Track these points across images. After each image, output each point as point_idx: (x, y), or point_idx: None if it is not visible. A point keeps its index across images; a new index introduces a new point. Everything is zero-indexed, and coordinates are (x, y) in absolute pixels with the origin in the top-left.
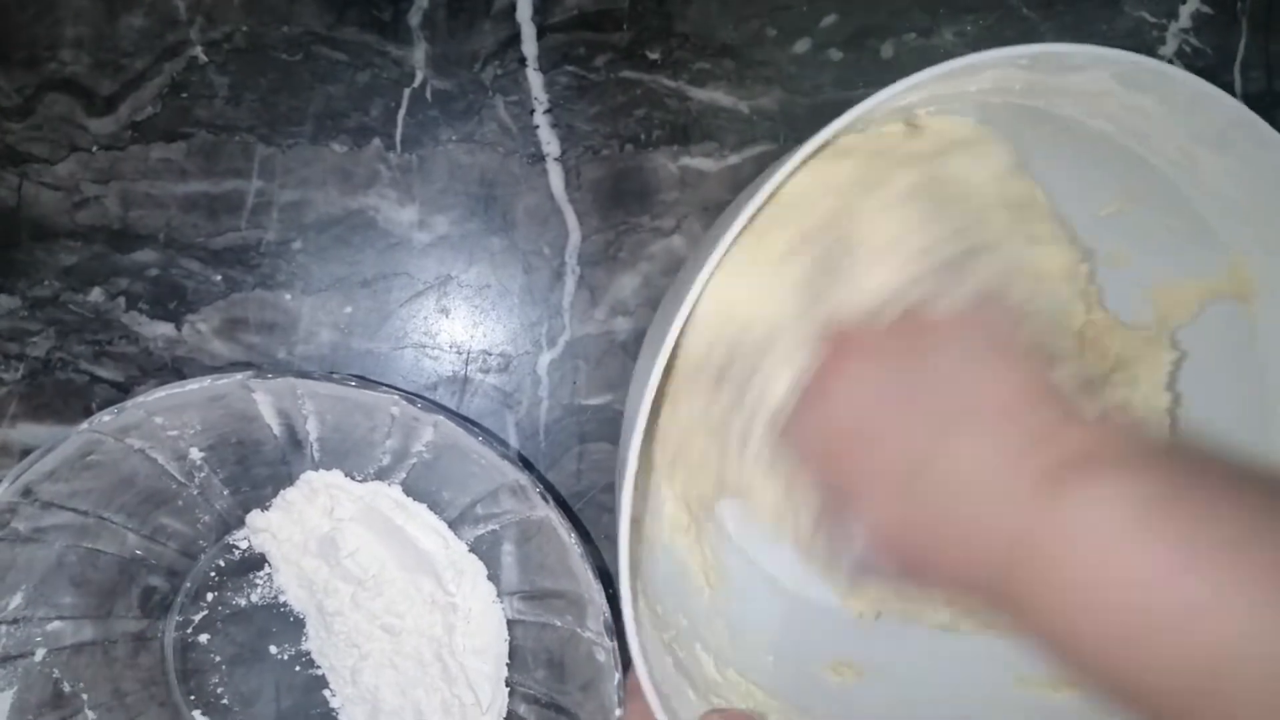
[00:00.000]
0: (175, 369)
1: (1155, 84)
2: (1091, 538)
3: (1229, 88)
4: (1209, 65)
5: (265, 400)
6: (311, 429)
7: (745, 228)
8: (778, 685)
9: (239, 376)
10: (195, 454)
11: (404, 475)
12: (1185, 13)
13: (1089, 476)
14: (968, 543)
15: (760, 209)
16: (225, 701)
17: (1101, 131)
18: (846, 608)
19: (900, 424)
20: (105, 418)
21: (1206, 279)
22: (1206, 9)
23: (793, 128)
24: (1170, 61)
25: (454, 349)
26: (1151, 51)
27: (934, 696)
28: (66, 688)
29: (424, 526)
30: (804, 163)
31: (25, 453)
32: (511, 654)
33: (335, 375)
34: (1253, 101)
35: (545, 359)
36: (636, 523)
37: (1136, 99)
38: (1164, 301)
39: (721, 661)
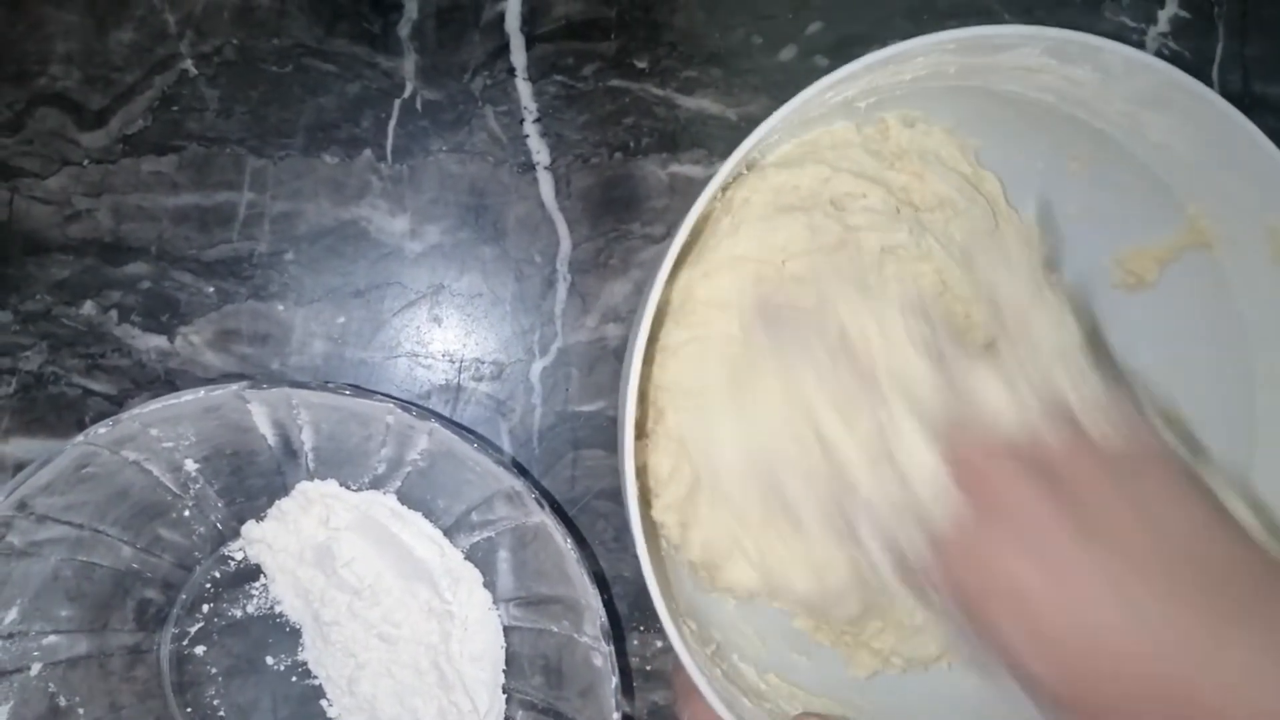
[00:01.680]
0: (168, 381)
1: (1085, 55)
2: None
3: None
4: (1187, 68)
5: (260, 411)
6: (306, 439)
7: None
8: (817, 683)
9: (234, 387)
10: (190, 465)
11: (399, 484)
12: (1164, 17)
13: (1255, 622)
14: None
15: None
16: (222, 713)
17: (1044, 103)
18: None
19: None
20: (100, 430)
21: (1166, 239)
22: (1184, 14)
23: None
24: None
25: (447, 357)
26: None
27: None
28: (62, 702)
29: (419, 535)
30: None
31: (18, 467)
32: (508, 660)
33: (330, 384)
34: (1231, 103)
35: (538, 366)
36: (655, 550)
37: (1072, 70)
38: (1129, 265)
39: (761, 668)
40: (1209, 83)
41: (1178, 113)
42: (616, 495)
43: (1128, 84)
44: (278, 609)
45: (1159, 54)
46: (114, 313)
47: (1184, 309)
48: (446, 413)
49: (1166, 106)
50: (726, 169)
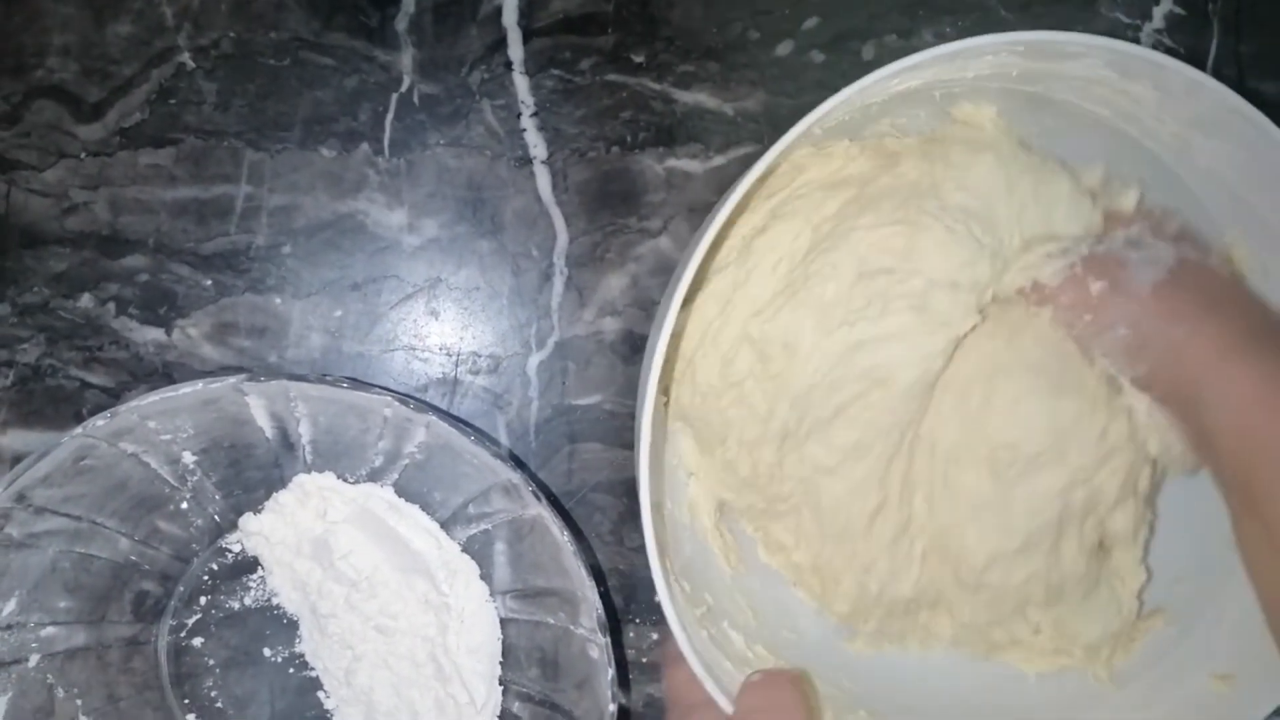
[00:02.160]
0: (166, 374)
1: (1148, 72)
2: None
3: None
4: None
5: (258, 403)
6: (304, 431)
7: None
8: (804, 658)
9: (232, 380)
10: (188, 458)
11: (396, 476)
12: (1159, 13)
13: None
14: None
15: (750, 190)
16: (219, 705)
17: (1096, 115)
18: (848, 647)
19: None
20: (99, 422)
21: None
22: (1179, 10)
23: (776, 129)
24: None
25: (444, 351)
26: None
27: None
28: (60, 693)
29: (417, 527)
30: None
31: (16, 460)
32: (505, 652)
33: (328, 377)
34: None
35: (534, 360)
36: (658, 507)
37: (1130, 85)
38: None
39: (749, 638)
40: None
41: (1229, 138)
42: (613, 488)
43: (1184, 105)
44: (275, 601)
45: (1154, 50)
46: (111, 305)
47: None
48: (444, 406)
49: (1218, 131)
50: (786, 141)
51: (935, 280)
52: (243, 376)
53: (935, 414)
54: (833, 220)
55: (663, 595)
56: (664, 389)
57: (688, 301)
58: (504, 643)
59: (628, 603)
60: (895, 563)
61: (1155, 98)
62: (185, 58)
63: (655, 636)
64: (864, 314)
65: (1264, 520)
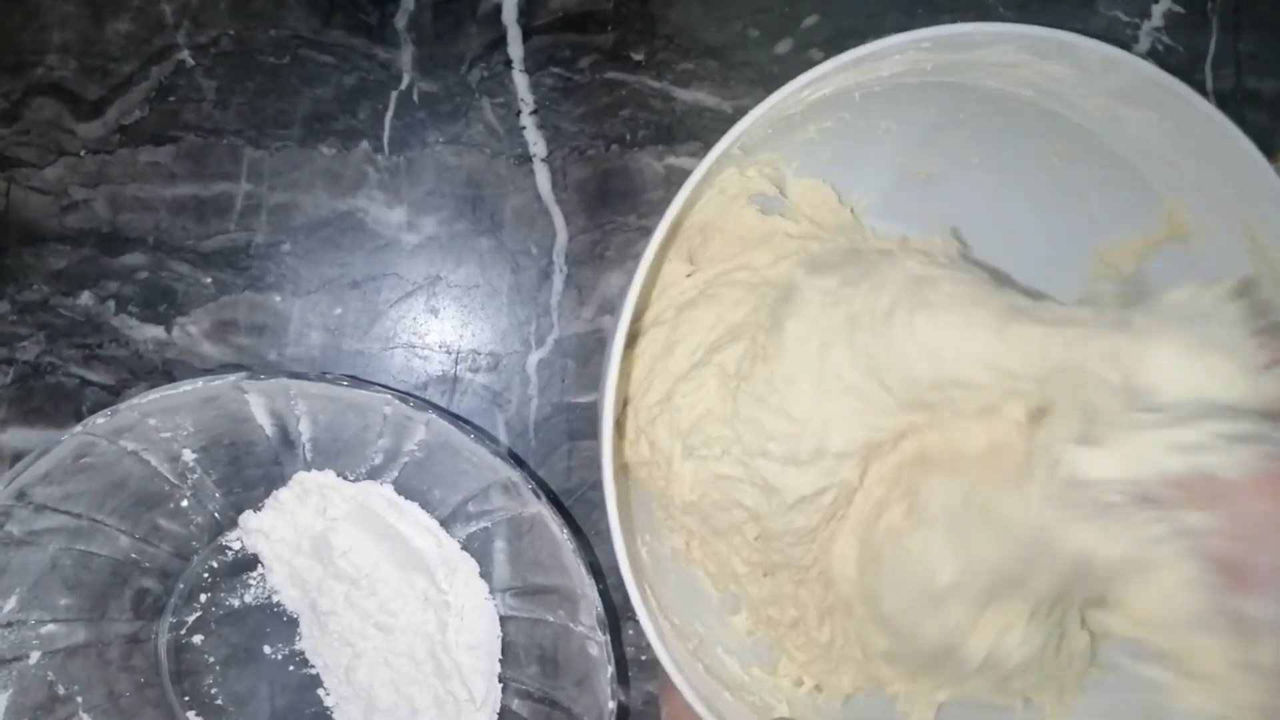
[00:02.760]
0: (166, 372)
1: (1061, 51)
2: None
3: (1200, 85)
4: (1181, 63)
5: (258, 401)
6: (304, 429)
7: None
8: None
9: (232, 378)
10: (188, 455)
11: (396, 474)
12: (1157, 12)
13: None
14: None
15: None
16: (220, 702)
17: (1022, 96)
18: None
19: None
20: (99, 420)
21: (1145, 232)
22: (1178, 8)
23: None
24: (1144, 59)
25: (443, 349)
26: (1126, 49)
27: None
28: (61, 690)
29: (416, 525)
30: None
31: (16, 457)
32: (505, 650)
33: (327, 375)
34: (1223, 98)
35: (534, 358)
36: (635, 557)
37: (1048, 66)
38: (1108, 258)
39: (743, 661)
40: (1202, 78)
41: (1155, 108)
42: None
43: (1105, 80)
44: (275, 598)
45: (1153, 49)
46: (111, 303)
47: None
48: (443, 404)
49: (1144, 102)
50: (701, 170)
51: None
52: (242, 374)
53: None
54: (739, 325)
55: (652, 639)
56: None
57: (630, 345)
58: (503, 640)
59: (626, 600)
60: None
61: (1074, 75)
62: (185, 55)
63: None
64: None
65: None
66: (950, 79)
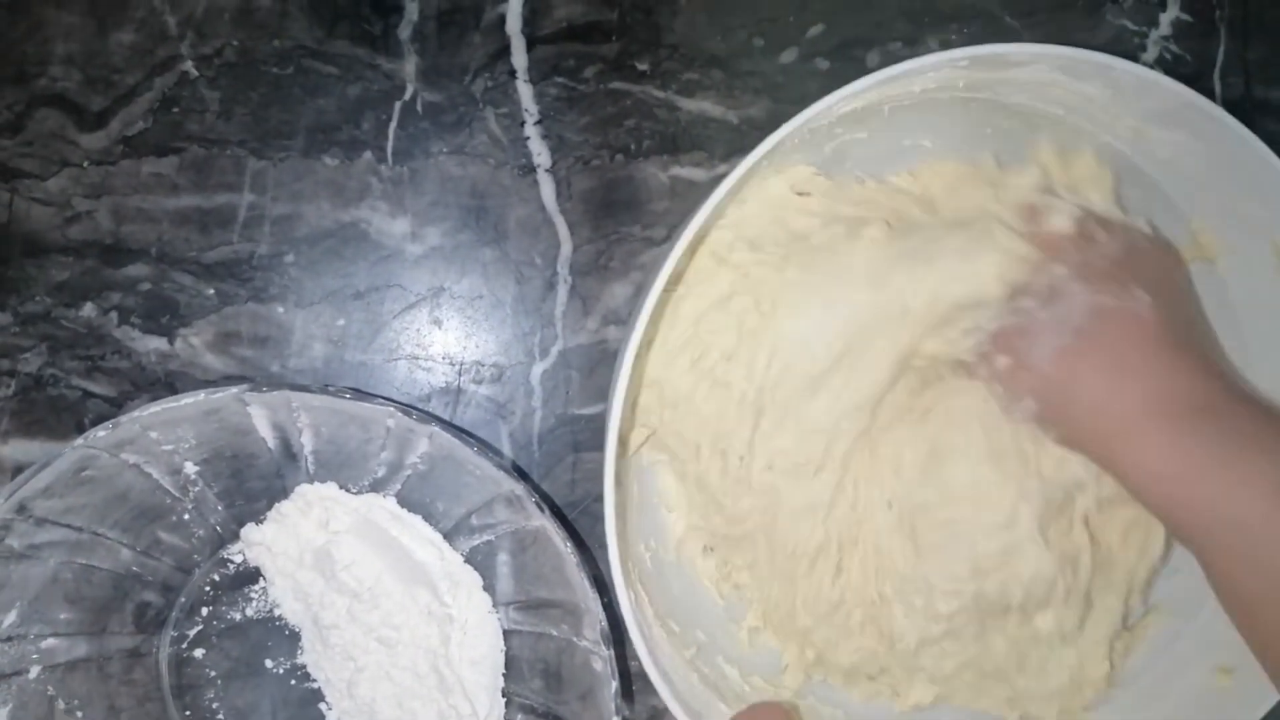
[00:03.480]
0: (168, 384)
1: (1098, 73)
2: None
3: (1209, 94)
4: (1189, 72)
5: (260, 414)
6: (306, 442)
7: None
8: (801, 686)
9: (234, 390)
10: (190, 468)
11: (399, 487)
12: (1165, 20)
13: (1171, 422)
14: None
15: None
16: (221, 716)
17: (1052, 115)
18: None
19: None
20: (100, 433)
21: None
22: (1186, 17)
23: None
24: (1151, 68)
25: (447, 360)
26: (1133, 59)
27: None
28: (61, 705)
29: (419, 538)
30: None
31: (18, 470)
32: (508, 664)
33: (330, 388)
34: (1231, 107)
35: (538, 369)
36: (630, 589)
37: (1082, 86)
38: None
39: (744, 670)
40: (1210, 86)
41: (1187, 130)
42: None
43: (1138, 102)
44: (277, 612)
45: (1160, 57)
46: (114, 315)
47: None
48: (447, 416)
49: (1176, 124)
50: (732, 179)
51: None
52: (245, 386)
53: (872, 472)
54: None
55: (640, 650)
56: (640, 424)
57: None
58: (507, 654)
59: None
60: (833, 631)
61: (1108, 96)
62: (188, 66)
63: None
64: None
65: (1210, 573)
66: (980, 95)
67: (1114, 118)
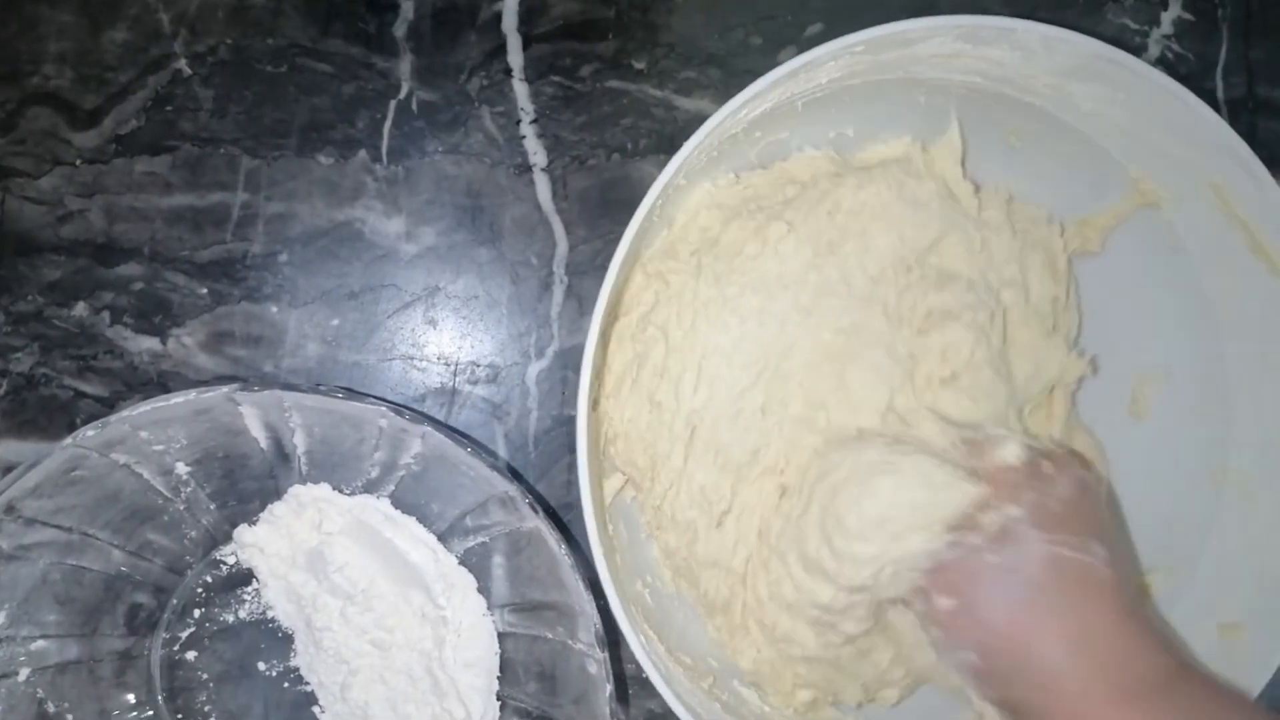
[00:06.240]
0: (160, 383)
1: (1000, 38)
2: None
3: (1210, 93)
4: (1191, 71)
5: (252, 414)
6: (299, 442)
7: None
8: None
9: (225, 389)
10: (181, 469)
11: (392, 488)
12: (1167, 19)
13: (1130, 703)
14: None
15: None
16: (213, 719)
17: (969, 84)
18: None
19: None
20: (89, 432)
21: (1116, 202)
22: (1188, 16)
23: None
24: (1154, 66)
25: (442, 360)
26: (1135, 56)
27: None
28: (51, 708)
29: (413, 539)
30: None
31: (8, 469)
32: (502, 667)
33: (322, 387)
34: (1234, 106)
35: (534, 369)
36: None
37: (990, 52)
38: (1075, 236)
39: (763, 692)
40: (1213, 85)
41: (1105, 81)
42: None
43: (1049, 59)
44: (270, 614)
45: (1162, 56)
46: (106, 314)
47: (1141, 265)
48: (441, 416)
49: (1092, 77)
50: (645, 206)
51: None
52: (235, 386)
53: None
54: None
55: (660, 687)
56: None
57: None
58: (502, 657)
59: None
60: (733, 636)
61: (1018, 58)
62: (182, 65)
63: None
64: None
65: None
66: (893, 76)
67: (1028, 78)
